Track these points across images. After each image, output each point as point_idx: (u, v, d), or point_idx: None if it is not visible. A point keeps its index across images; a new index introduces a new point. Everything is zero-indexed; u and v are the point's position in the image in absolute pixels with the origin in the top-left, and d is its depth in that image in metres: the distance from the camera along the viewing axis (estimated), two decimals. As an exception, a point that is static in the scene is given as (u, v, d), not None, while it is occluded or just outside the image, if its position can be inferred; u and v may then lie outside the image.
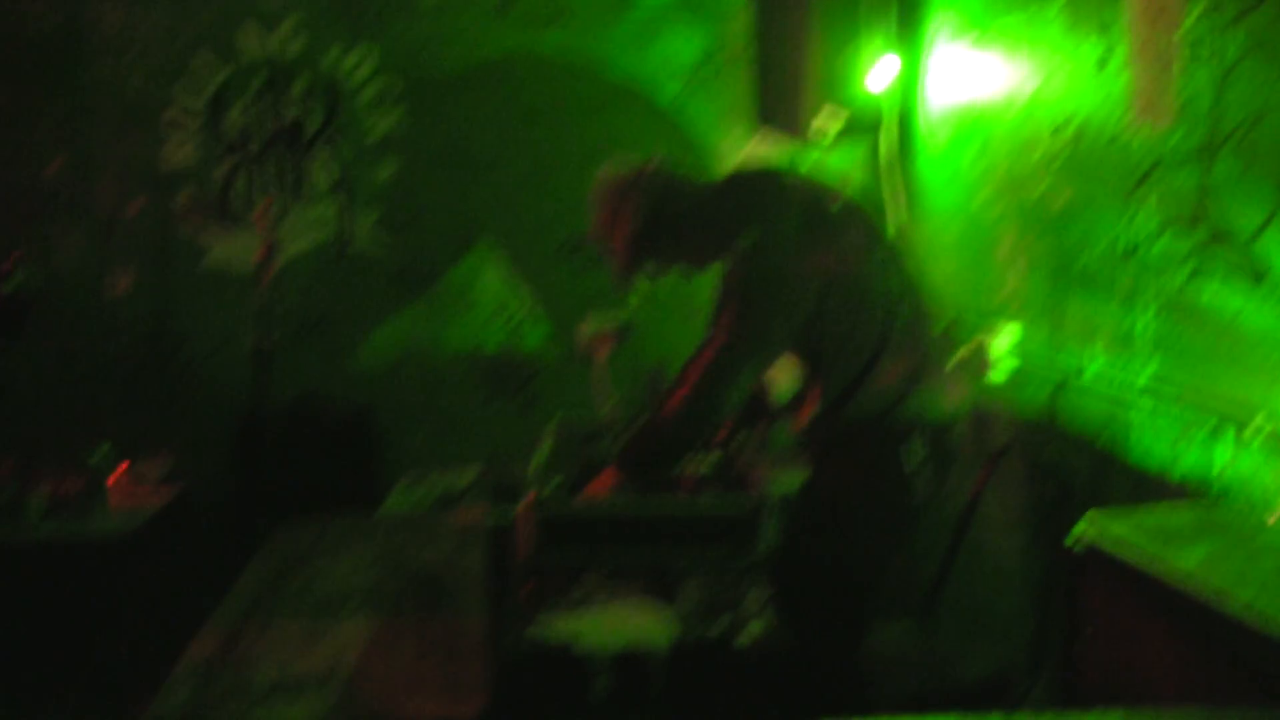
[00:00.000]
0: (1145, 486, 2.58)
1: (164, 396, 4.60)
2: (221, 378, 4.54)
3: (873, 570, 2.56)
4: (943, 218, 3.80)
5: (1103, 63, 2.76)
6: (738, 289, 2.49)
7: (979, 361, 3.06)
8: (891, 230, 3.78)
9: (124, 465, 3.85)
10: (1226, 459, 2.34)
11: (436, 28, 4.56)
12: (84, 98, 4.48)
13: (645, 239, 2.62)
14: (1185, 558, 1.87)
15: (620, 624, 1.94)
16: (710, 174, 2.81)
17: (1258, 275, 2.24)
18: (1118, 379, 2.72)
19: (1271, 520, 2.09)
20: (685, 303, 4.59)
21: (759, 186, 2.66)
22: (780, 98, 4.34)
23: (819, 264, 2.50)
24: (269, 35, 4.54)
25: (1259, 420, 2.23)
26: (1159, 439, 2.57)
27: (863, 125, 3.93)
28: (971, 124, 3.58)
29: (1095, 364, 2.83)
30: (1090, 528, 2.08)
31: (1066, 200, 2.97)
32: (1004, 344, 3.02)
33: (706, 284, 2.84)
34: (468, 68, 4.58)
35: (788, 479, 2.52)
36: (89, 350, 4.56)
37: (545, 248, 4.65)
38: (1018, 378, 3.06)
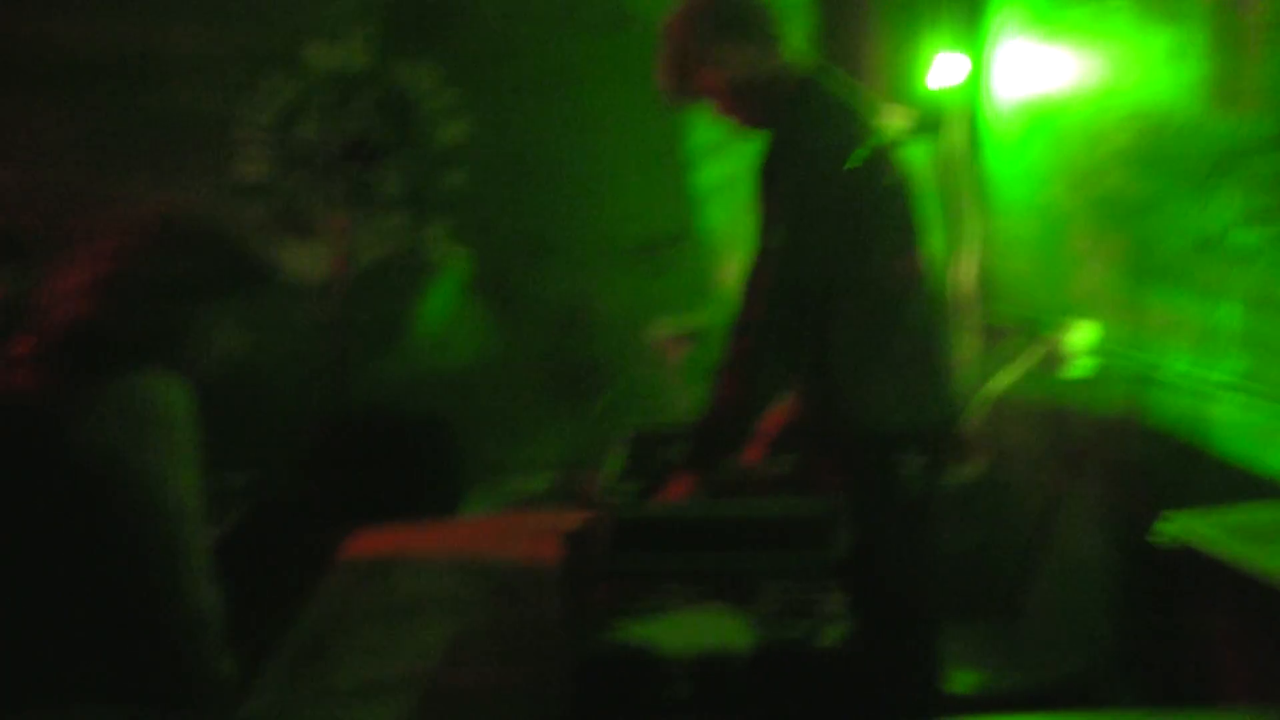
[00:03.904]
0: (1231, 485, 2.53)
1: (241, 408, 4.67)
2: (297, 389, 4.60)
3: (886, 573, 2.37)
4: (1015, 214, 3.75)
5: (1176, 51, 2.71)
6: (760, 305, 2.35)
7: (1055, 359, 3.02)
8: (966, 229, 3.75)
9: None
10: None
11: (500, 37, 4.59)
12: (160, 117, 4.57)
13: (715, 68, 2.47)
14: (1272, 556, 1.83)
15: (698, 628, 1.94)
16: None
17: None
18: (1202, 375, 2.67)
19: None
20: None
21: (849, 145, 2.37)
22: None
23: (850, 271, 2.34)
24: (336, 50, 4.60)
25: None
26: (1245, 436, 2.51)
27: (928, 124, 3.90)
28: (1041, 118, 3.53)
29: (1179, 360, 2.77)
30: (1175, 527, 2.04)
31: (1142, 192, 2.92)
32: (1082, 341, 2.97)
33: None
34: (532, 76, 4.60)
35: None
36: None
37: (615, 252, 4.66)
38: (1098, 375, 3.01)
